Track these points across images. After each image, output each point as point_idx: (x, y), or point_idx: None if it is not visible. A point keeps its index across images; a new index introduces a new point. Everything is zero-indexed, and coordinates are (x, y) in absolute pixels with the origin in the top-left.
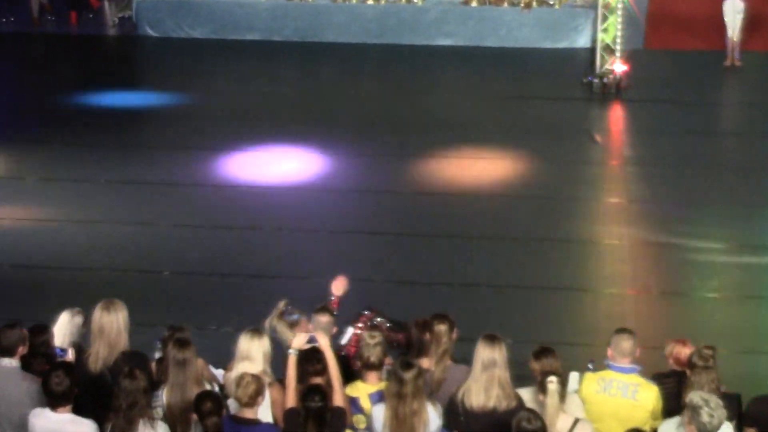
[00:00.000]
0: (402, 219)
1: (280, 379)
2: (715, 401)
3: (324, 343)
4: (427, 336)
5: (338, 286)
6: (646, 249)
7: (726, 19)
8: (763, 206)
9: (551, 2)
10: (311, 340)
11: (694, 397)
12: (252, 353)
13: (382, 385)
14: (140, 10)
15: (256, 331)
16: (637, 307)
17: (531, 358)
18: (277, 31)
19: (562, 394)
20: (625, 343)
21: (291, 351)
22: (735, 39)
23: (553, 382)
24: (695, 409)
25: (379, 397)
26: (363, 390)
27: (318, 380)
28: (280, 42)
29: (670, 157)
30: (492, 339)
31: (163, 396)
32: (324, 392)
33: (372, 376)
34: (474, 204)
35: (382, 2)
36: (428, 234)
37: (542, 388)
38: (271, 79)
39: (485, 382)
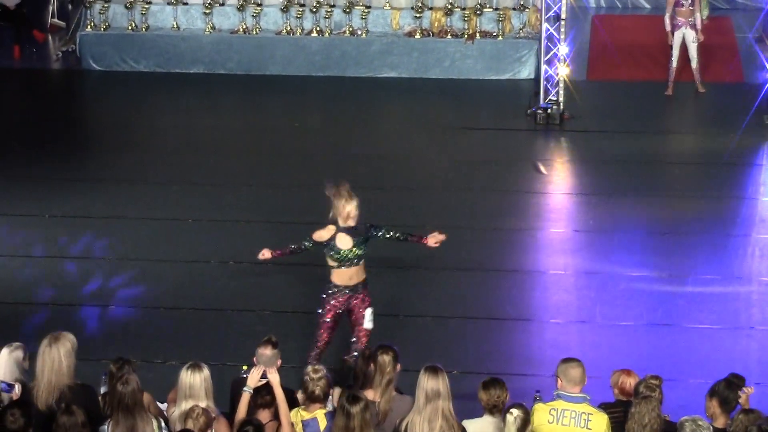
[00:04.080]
0: None
1: (224, 413)
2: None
3: (274, 379)
4: (372, 367)
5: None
6: (590, 279)
7: (674, 48)
8: (706, 234)
9: (495, 34)
10: (264, 376)
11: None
12: (194, 389)
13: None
14: (84, 44)
15: (197, 365)
16: (582, 337)
17: (480, 389)
18: (221, 63)
19: (520, 428)
20: (575, 371)
21: (245, 389)
22: (694, 66)
23: (512, 414)
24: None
25: (333, 416)
26: (320, 412)
27: (265, 413)
28: (225, 75)
29: (614, 187)
30: (435, 370)
31: (109, 430)
32: (259, 425)
33: (316, 408)
34: None
35: (327, 35)
36: (373, 265)
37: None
38: (215, 111)
39: (429, 413)
